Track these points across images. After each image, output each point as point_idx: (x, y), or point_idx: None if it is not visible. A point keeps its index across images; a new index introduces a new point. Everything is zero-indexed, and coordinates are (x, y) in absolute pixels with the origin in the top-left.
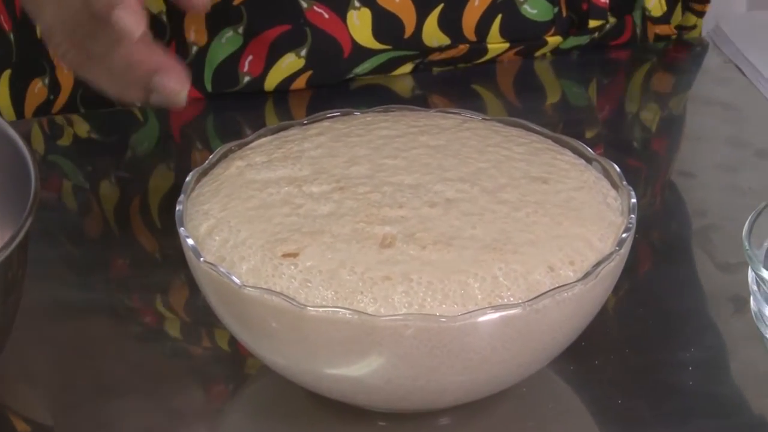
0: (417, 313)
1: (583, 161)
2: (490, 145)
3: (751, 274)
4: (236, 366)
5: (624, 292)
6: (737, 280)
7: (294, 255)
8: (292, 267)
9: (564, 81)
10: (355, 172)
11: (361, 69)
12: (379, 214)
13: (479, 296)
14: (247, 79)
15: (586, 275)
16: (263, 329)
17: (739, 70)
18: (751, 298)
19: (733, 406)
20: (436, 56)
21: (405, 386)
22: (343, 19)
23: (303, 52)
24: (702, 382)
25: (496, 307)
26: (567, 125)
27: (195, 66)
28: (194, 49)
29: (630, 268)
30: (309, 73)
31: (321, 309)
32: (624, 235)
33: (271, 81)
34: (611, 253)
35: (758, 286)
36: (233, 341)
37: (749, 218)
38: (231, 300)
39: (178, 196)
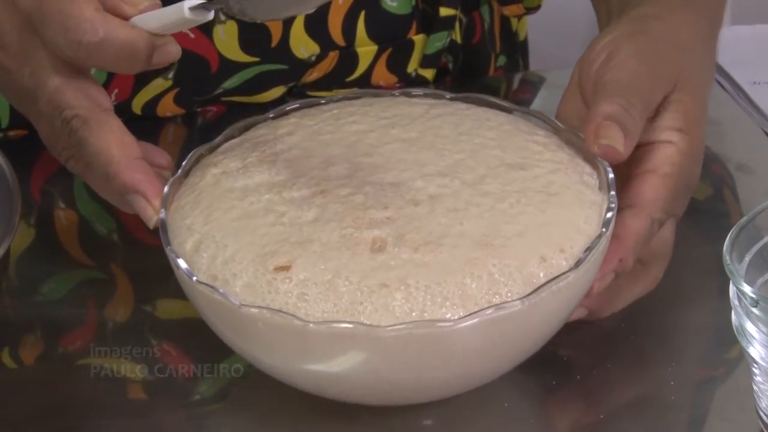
0: (420, 320)
1: (554, 139)
2: (462, 134)
3: (732, 289)
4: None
5: None
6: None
7: (286, 268)
8: (287, 281)
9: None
10: (334, 173)
11: (229, 83)
12: (365, 217)
13: (478, 295)
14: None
15: (578, 262)
16: (264, 344)
17: (720, 84)
18: (733, 312)
19: (715, 420)
20: (308, 76)
21: (408, 387)
22: (209, 35)
23: (170, 75)
24: (684, 397)
25: (497, 306)
26: None
27: None
28: None
29: None
30: (176, 90)
31: (323, 324)
32: (608, 215)
33: (138, 102)
34: (599, 236)
35: (739, 300)
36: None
37: (730, 233)
38: (229, 318)
39: None
